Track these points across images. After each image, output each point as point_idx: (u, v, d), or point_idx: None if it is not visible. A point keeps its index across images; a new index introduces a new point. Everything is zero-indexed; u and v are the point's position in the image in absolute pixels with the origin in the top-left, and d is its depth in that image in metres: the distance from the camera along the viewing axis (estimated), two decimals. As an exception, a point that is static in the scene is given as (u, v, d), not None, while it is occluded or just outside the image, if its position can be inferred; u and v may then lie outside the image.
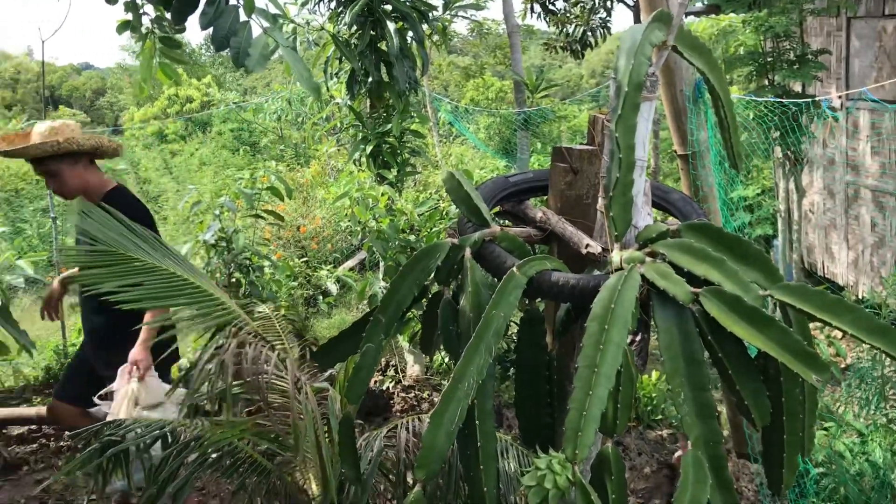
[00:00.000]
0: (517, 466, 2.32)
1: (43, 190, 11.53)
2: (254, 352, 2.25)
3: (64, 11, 5.07)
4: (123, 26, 3.59)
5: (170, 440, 2.68)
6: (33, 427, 4.84)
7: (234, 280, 4.38)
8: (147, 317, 3.18)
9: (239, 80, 27.44)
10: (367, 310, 5.02)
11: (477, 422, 1.70)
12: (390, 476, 2.70)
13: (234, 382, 2.53)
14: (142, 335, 3.20)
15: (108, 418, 3.04)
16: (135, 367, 3.10)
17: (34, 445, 4.63)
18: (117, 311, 3.22)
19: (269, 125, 16.84)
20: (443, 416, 1.68)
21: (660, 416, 4.91)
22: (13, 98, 31.19)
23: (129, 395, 3.07)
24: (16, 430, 4.82)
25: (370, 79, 5.41)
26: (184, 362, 5.17)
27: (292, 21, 5.63)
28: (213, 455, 2.65)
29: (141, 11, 3.52)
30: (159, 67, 3.92)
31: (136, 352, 3.14)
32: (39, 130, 3.12)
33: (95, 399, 3.19)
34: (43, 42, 6.21)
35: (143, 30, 3.59)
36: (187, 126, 19.61)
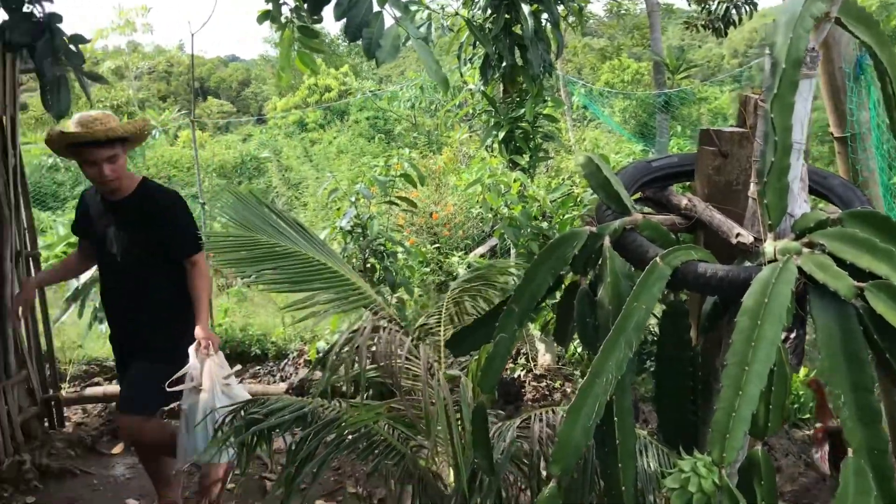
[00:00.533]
0: (656, 465, 2.23)
1: (192, 177, 12.19)
2: (388, 336, 2.27)
3: (211, 6, 5.28)
4: (263, 16, 3.69)
5: (308, 420, 2.76)
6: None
7: (368, 265, 4.46)
8: (203, 296, 3.35)
9: (374, 69, 28.03)
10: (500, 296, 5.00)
11: (615, 418, 1.63)
12: (522, 466, 2.66)
13: (369, 367, 2.57)
14: (202, 314, 3.34)
15: (194, 395, 3.19)
16: (208, 344, 3.26)
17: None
18: (177, 287, 3.39)
19: (402, 113, 17.12)
20: (580, 412, 1.62)
21: (808, 415, 4.63)
22: (167, 90, 33.17)
23: (212, 370, 3.21)
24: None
25: (504, 63, 5.36)
26: (322, 344, 5.35)
27: (427, 7, 5.65)
28: (350, 437, 2.70)
29: (280, 1, 3.61)
30: (297, 57, 4.02)
31: (203, 330, 3.29)
32: (97, 117, 3.14)
33: (167, 387, 3.30)
34: (192, 35, 6.52)
35: (283, 19, 3.69)
36: (326, 115, 20.23)
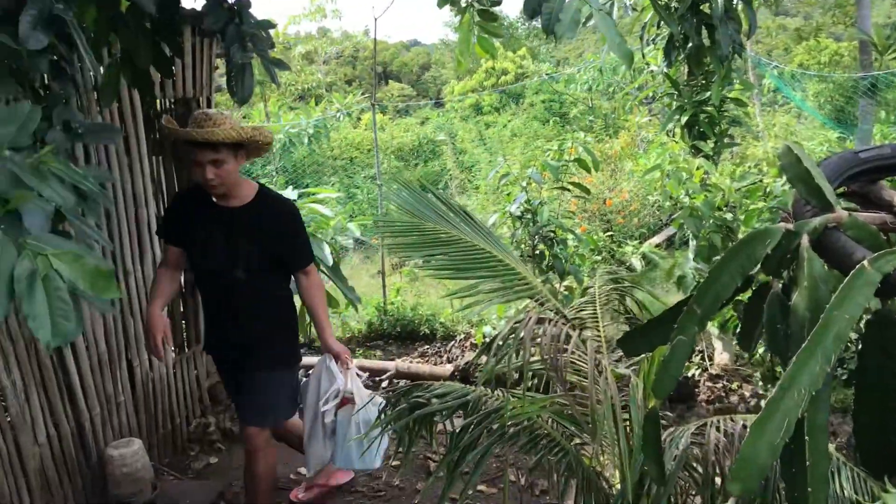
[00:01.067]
0: (851, 492, 2.00)
1: (372, 158, 12.57)
2: (553, 329, 2.18)
3: (394, -9, 5.35)
4: (444, 0, 3.68)
5: (472, 408, 2.73)
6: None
7: (537, 252, 4.38)
8: (321, 308, 3.33)
9: (552, 51, 27.72)
10: (674, 289, 4.75)
11: (807, 437, 1.46)
12: (694, 474, 2.50)
13: (532, 358, 2.49)
14: (326, 326, 3.34)
15: (346, 408, 3.28)
16: (348, 356, 3.31)
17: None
18: (289, 296, 3.34)
19: (579, 96, 16.79)
20: (766, 427, 1.46)
21: None
22: (353, 74, 34.49)
23: (358, 382, 3.31)
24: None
25: (689, 44, 5.06)
26: (488, 329, 5.33)
27: (609, -14, 5.44)
28: (512, 429, 2.65)
29: (460, -14, 3.58)
30: (477, 42, 3.98)
31: (335, 344, 3.31)
32: (211, 116, 3.01)
33: (322, 405, 3.33)
34: (375, 20, 6.69)
35: (462, 3, 3.65)
36: (501, 98, 20.24)
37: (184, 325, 4.58)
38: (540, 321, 2.19)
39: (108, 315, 3.69)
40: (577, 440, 2.67)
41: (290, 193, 6.35)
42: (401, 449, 2.80)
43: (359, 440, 3.15)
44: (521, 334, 2.18)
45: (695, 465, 2.45)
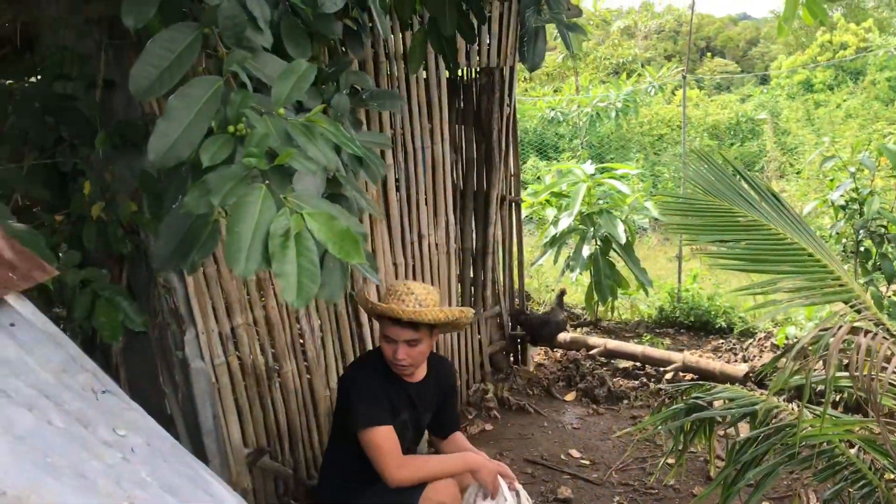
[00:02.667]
0: None
1: (679, 136, 11.98)
2: (869, 342, 1.81)
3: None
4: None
5: (759, 419, 2.41)
6: (637, 364, 5.06)
7: (862, 249, 3.78)
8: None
9: (907, 22, 24.24)
10: None
11: None
12: None
13: (840, 374, 2.12)
14: (477, 453, 2.84)
15: None
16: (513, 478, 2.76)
17: (635, 382, 4.83)
18: None
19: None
20: None
21: None
22: (673, 49, 33.18)
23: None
24: (622, 364, 5.11)
25: None
26: (792, 330, 4.77)
27: None
28: (806, 451, 2.29)
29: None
30: (805, 4, 3.50)
31: (498, 463, 2.76)
32: (414, 291, 2.68)
33: None
34: (695, -10, 6.24)
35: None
36: (837, 75, 18.18)
37: (472, 291, 4.68)
38: (853, 331, 1.82)
39: (398, 272, 3.85)
40: (891, 476, 2.25)
41: (588, 168, 6.22)
42: (675, 448, 2.57)
43: None
44: (829, 343, 1.84)
45: None
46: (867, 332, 1.82)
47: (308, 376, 3.44)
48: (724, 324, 5.91)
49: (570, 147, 14.15)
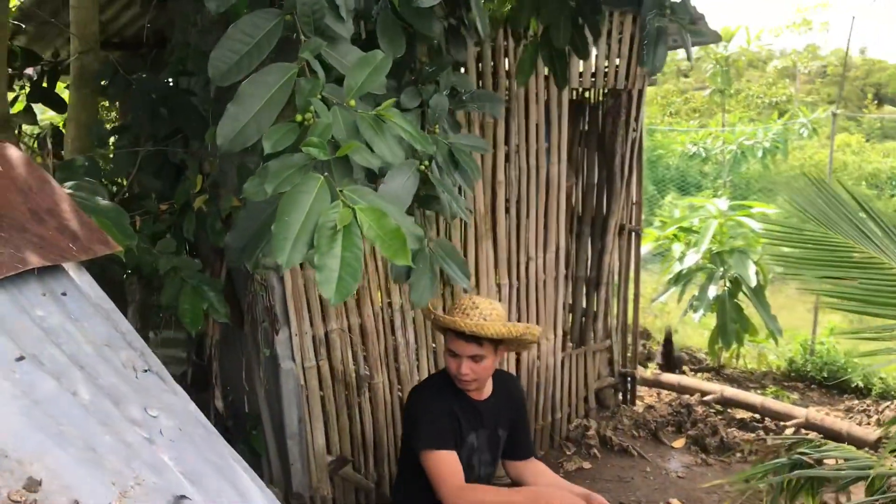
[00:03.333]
0: None
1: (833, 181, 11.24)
2: None
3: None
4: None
5: (874, 486, 2.14)
6: (756, 416, 4.70)
7: None
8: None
9: None
10: None
11: None
12: None
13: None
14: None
15: None
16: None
17: (752, 434, 4.48)
18: None
19: None
20: None
21: None
22: (836, 95, 31.44)
23: None
24: (739, 414, 4.76)
25: None
26: None
27: None
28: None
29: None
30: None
31: (568, 496, 2.45)
32: (479, 305, 2.56)
33: None
34: (851, 28, 5.82)
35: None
36: None
37: (582, 321, 4.50)
38: None
39: (502, 293, 3.75)
40: None
41: (722, 203, 5.91)
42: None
43: None
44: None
45: None
46: None
47: (399, 390, 3.40)
48: (861, 383, 5.40)
49: (712, 186, 13.57)
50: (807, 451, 2.23)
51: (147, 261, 2.26)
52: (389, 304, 3.32)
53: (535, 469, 2.81)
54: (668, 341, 5.22)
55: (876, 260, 1.67)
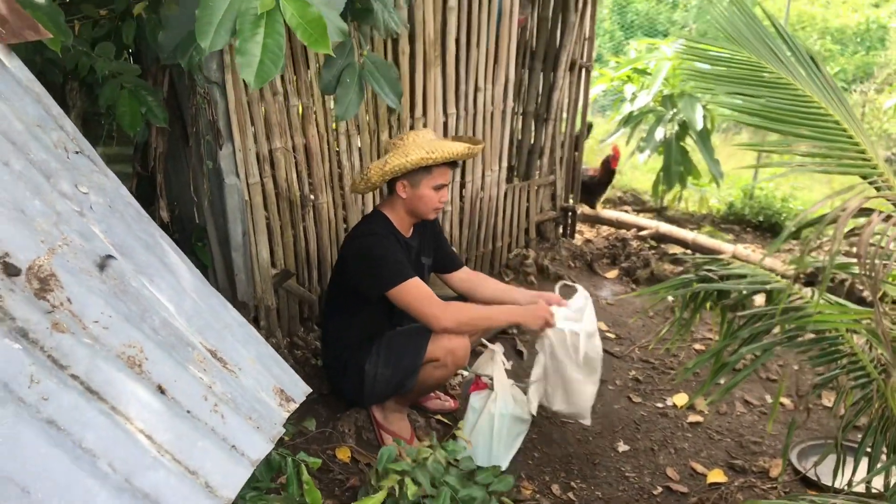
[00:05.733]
0: None
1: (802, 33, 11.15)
2: (881, 225, 1.69)
3: None
4: None
5: (770, 299, 2.34)
6: (688, 251, 4.94)
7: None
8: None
9: None
10: None
11: None
12: None
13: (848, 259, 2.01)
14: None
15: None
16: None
17: (680, 268, 4.72)
18: None
19: None
20: None
21: None
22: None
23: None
24: (672, 249, 5.00)
25: None
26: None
27: None
28: (810, 335, 2.22)
29: None
30: None
31: (531, 313, 2.71)
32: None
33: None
34: None
35: None
36: None
37: (528, 156, 4.60)
38: (866, 210, 1.71)
39: (450, 123, 3.80)
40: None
41: (676, 45, 5.90)
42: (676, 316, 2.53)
43: (487, 435, 2.72)
44: (839, 218, 1.74)
45: None
46: (881, 212, 1.70)
47: (344, 212, 3.50)
48: (794, 227, 5.66)
49: (680, 34, 13.37)
50: (714, 268, 2.42)
51: (85, 63, 2.25)
52: (335, 129, 3.36)
53: (477, 278, 3.04)
54: (609, 177, 5.38)
55: (784, 80, 1.76)
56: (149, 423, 1.04)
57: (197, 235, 3.12)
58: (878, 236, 1.77)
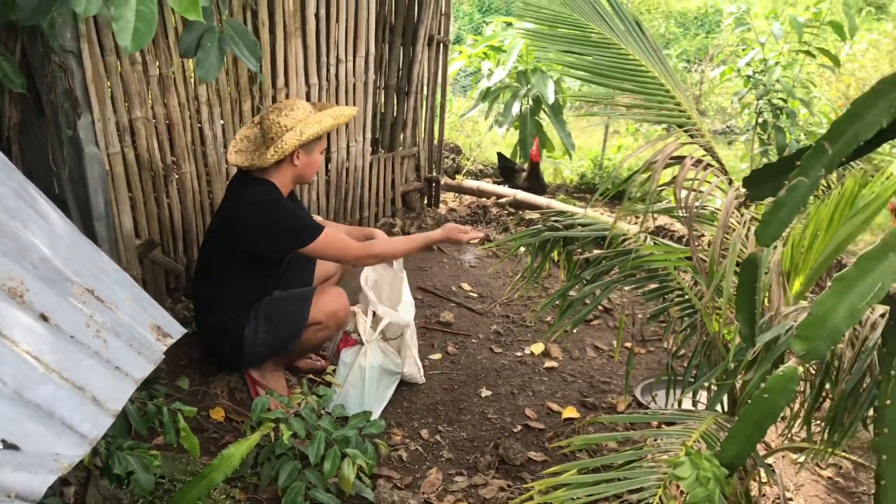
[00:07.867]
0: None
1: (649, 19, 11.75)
2: (693, 168, 1.95)
3: None
4: None
5: (607, 244, 2.61)
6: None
7: (762, 121, 3.92)
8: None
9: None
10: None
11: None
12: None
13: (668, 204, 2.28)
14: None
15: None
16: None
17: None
18: None
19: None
20: (852, 285, 1.23)
21: None
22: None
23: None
24: (529, 215, 5.29)
25: None
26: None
27: None
28: (642, 273, 2.50)
29: None
30: None
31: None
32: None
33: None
34: None
35: None
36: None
37: (390, 129, 4.74)
38: (678, 157, 1.96)
39: (312, 93, 3.88)
40: (714, 303, 2.47)
41: (527, 24, 6.17)
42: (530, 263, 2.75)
43: (359, 386, 2.94)
44: (656, 163, 1.99)
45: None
46: (693, 157, 1.96)
47: (208, 181, 3.52)
48: (639, 194, 6.08)
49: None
50: (560, 219, 2.66)
51: (-70, 25, 2.20)
52: (196, 98, 3.37)
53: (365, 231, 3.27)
54: (535, 169, 5.68)
55: (608, 41, 1.98)
56: (34, 345, 1.12)
57: (57, 206, 3.07)
58: (692, 180, 2.04)
